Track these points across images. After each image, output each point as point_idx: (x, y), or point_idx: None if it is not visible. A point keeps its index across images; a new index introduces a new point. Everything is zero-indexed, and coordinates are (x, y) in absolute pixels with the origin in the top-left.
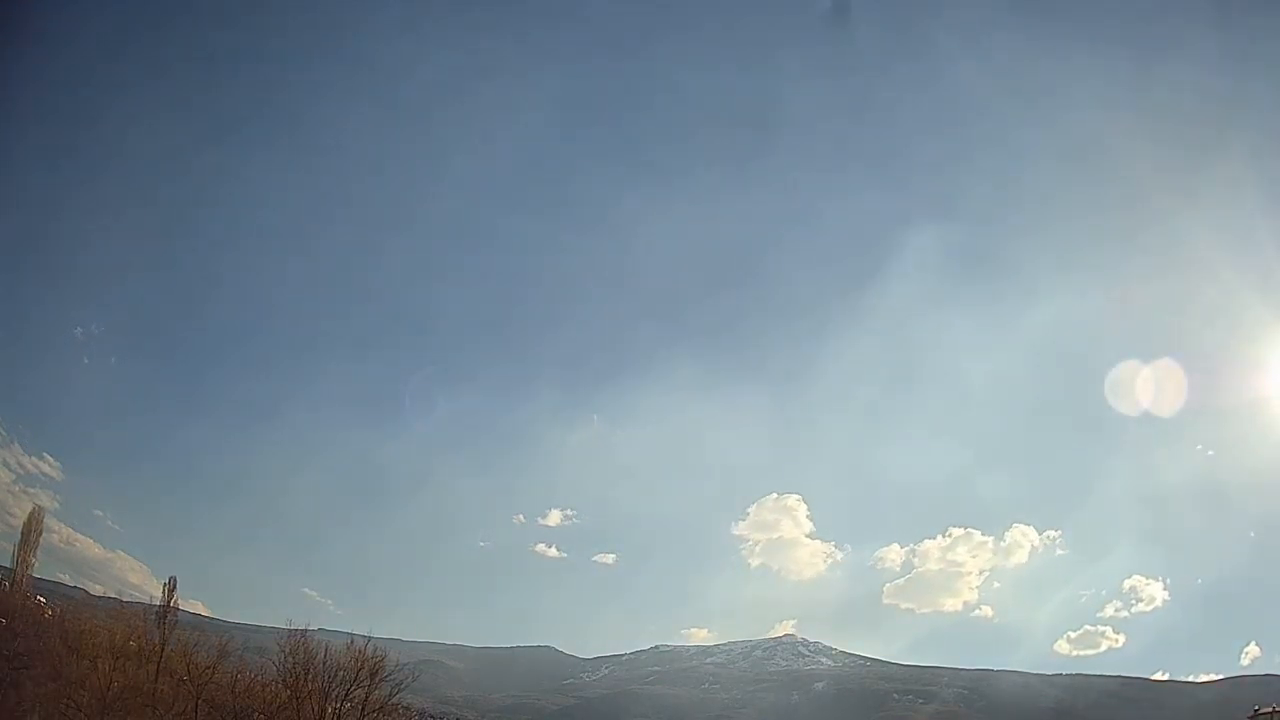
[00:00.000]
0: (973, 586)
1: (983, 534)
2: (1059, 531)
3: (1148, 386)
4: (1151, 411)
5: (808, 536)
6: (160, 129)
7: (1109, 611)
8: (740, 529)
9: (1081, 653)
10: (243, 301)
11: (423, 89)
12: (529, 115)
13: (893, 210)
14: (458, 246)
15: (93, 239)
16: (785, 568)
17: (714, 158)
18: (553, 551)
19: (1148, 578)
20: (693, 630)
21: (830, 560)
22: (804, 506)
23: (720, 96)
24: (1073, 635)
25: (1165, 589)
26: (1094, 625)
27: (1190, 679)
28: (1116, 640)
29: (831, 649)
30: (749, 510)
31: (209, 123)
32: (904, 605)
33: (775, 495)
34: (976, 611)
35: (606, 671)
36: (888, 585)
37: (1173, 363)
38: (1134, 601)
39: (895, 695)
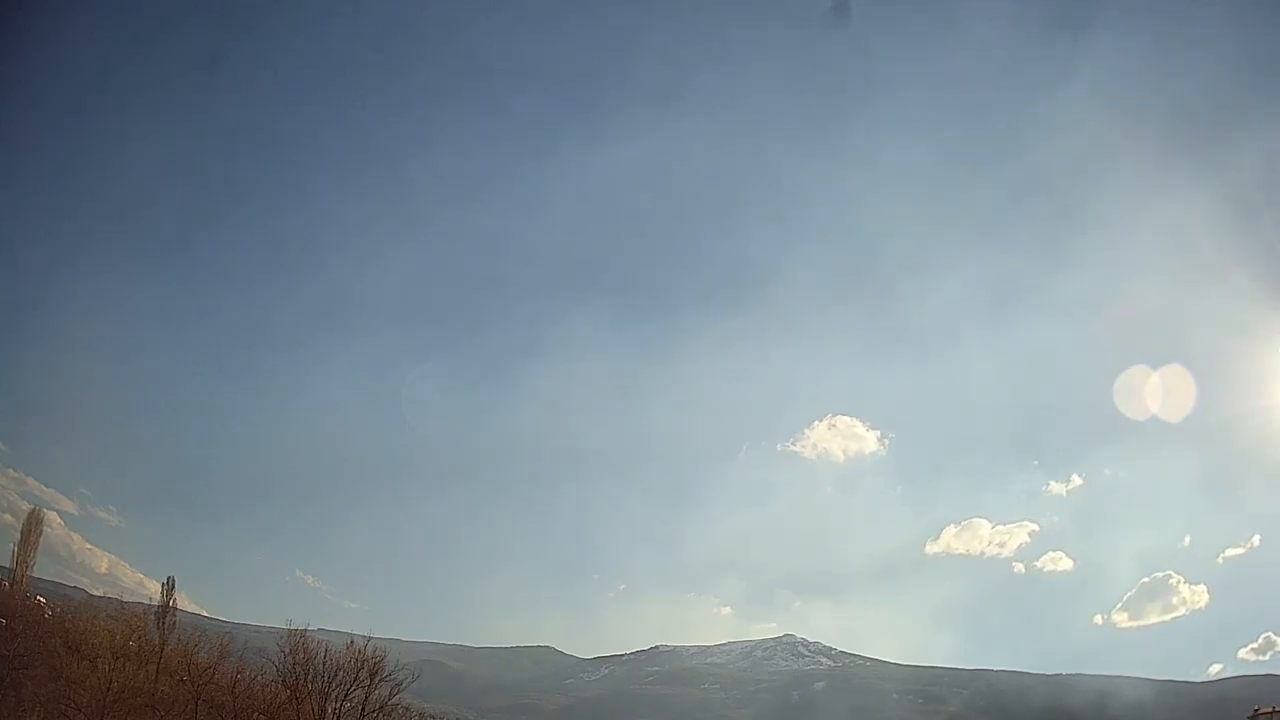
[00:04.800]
0: (1029, 537)
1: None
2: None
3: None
4: None
5: (865, 458)
6: (163, 137)
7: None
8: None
9: (1137, 623)
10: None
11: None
12: None
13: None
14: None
15: (93, 239)
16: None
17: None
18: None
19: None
20: (702, 596)
21: (887, 492)
22: (865, 429)
23: None
24: (1147, 581)
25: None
26: (1174, 571)
27: (1190, 679)
28: (1196, 595)
29: (831, 649)
30: (803, 433)
31: (213, 130)
32: (956, 550)
33: (831, 416)
34: (1043, 560)
35: (606, 671)
36: (948, 528)
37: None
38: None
39: (895, 695)
